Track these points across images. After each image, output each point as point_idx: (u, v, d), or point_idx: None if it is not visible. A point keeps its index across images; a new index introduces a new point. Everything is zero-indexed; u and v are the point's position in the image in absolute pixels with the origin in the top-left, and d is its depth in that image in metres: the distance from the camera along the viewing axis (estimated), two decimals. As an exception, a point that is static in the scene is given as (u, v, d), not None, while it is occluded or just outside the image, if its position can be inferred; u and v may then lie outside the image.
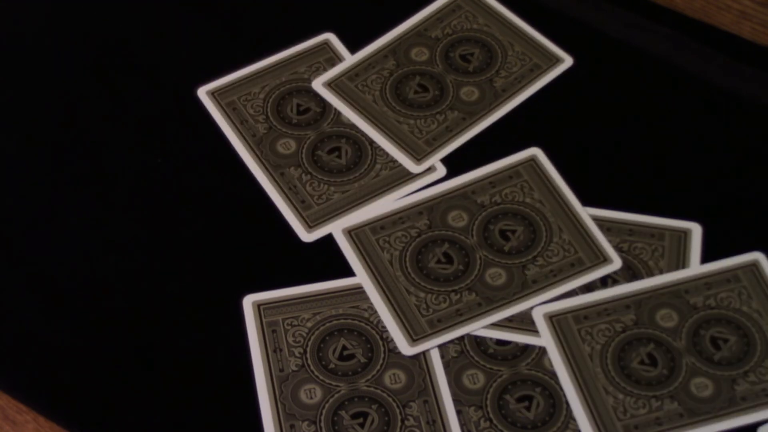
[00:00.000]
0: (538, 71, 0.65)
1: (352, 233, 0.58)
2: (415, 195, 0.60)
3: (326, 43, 0.66)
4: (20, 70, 0.67)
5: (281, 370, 0.55)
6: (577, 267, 0.57)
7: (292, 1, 0.69)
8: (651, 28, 0.67)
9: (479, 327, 0.55)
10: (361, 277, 0.57)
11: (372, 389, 0.55)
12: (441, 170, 0.61)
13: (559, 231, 0.58)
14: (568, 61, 0.66)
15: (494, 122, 0.63)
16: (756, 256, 0.58)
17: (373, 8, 0.68)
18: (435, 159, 0.61)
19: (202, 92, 0.65)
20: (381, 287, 0.56)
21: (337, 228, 0.59)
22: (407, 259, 0.57)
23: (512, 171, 0.60)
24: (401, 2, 0.68)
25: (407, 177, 0.61)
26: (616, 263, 0.57)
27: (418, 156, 0.61)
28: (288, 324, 0.57)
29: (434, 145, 0.62)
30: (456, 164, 0.62)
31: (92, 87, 0.66)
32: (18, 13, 0.70)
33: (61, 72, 0.67)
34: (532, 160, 0.60)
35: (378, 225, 0.58)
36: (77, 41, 0.68)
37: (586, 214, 0.59)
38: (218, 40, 0.68)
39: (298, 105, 0.64)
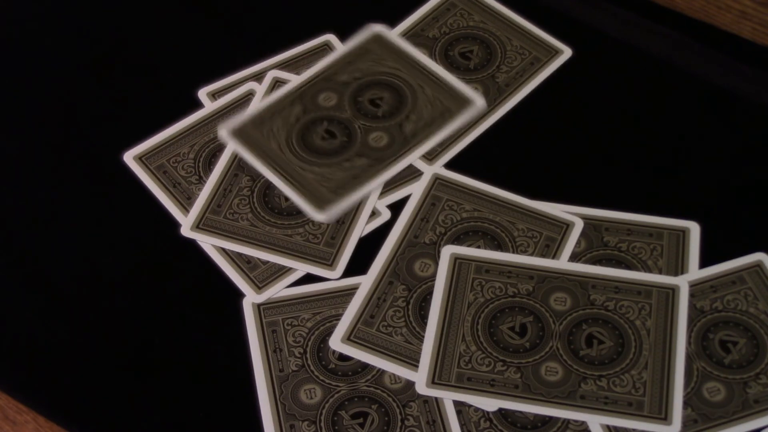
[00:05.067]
0: (538, 64, 0.65)
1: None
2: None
3: (327, 44, 0.66)
4: (20, 70, 0.67)
5: (281, 370, 0.55)
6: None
7: (292, 1, 0.69)
8: (651, 28, 0.67)
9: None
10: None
11: (372, 389, 0.55)
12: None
13: None
14: (567, 52, 0.66)
15: (493, 122, 0.63)
16: (759, 256, 0.58)
17: (373, 8, 0.68)
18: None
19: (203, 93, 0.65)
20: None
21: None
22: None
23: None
24: (401, 2, 0.68)
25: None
26: None
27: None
28: (288, 324, 0.57)
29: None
30: (461, 164, 0.62)
31: (92, 87, 0.66)
32: (18, 13, 0.70)
33: (61, 72, 0.67)
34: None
35: None
36: (77, 41, 0.68)
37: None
38: (218, 40, 0.68)
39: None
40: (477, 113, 0.61)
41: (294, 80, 0.62)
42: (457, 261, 0.57)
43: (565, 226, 0.58)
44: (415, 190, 0.60)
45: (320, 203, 0.58)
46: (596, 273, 0.57)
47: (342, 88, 0.63)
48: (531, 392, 0.53)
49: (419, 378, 0.54)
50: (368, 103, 0.63)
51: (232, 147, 0.57)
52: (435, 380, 0.54)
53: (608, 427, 0.53)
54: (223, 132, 0.59)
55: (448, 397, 0.54)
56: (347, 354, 0.55)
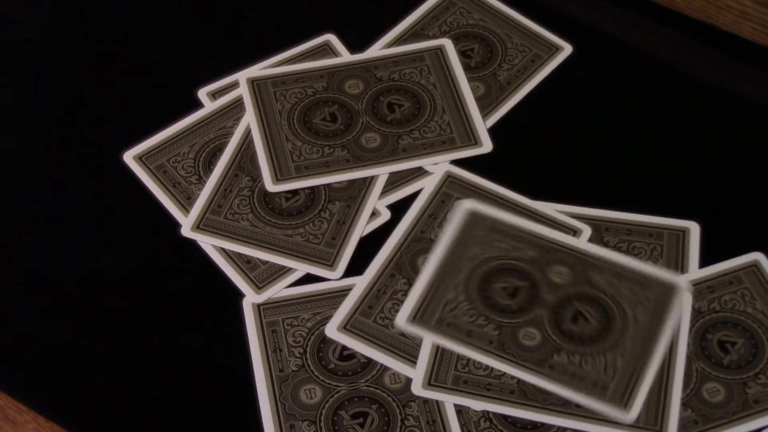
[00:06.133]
0: (539, 61, 0.65)
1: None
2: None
3: (327, 44, 0.66)
4: (20, 70, 0.67)
5: (281, 370, 0.55)
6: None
7: (292, 1, 0.69)
8: (651, 28, 0.67)
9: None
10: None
11: (372, 389, 0.55)
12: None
13: None
14: (567, 49, 0.66)
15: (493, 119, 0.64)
16: (756, 256, 0.58)
17: (373, 8, 0.68)
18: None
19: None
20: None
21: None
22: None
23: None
24: (401, 2, 0.68)
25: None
26: None
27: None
28: (288, 324, 0.57)
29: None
30: (462, 162, 0.62)
31: (92, 87, 0.66)
32: (18, 12, 0.69)
33: (61, 72, 0.67)
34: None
35: None
36: (77, 41, 0.68)
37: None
38: (218, 40, 0.68)
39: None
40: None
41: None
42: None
43: (572, 233, 0.58)
44: (426, 186, 0.60)
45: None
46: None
47: (372, 81, 0.64)
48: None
49: (416, 378, 0.54)
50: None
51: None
52: (431, 382, 0.54)
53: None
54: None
55: (443, 399, 0.54)
56: (341, 343, 0.56)
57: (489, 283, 0.56)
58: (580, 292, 0.56)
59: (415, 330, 0.54)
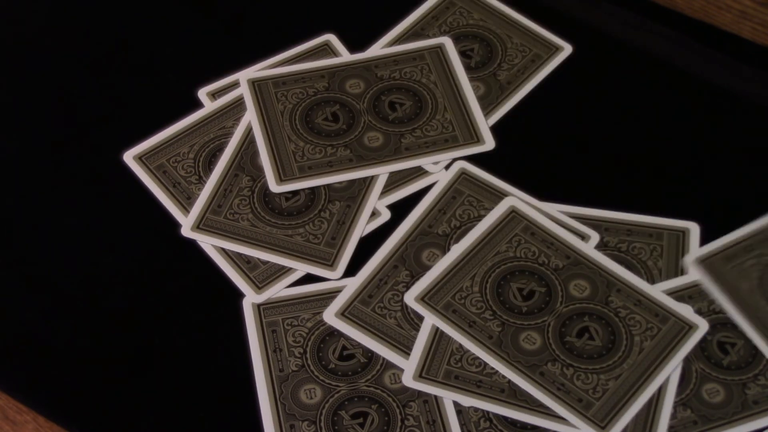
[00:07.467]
0: (539, 61, 0.65)
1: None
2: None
3: (327, 44, 0.66)
4: (20, 70, 0.67)
5: (281, 370, 0.55)
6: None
7: (292, 1, 0.69)
8: (651, 28, 0.67)
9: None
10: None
11: (372, 389, 0.55)
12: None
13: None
14: (567, 49, 0.66)
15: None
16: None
17: (373, 8, 0.68)
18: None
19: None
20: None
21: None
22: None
23: None
24: (401, 2, 0.68)
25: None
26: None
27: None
28: (288, 324, 0.57)
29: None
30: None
31: (92, 87, 0.66)
32: (18, 12, 0.70)
33: (61, 72, 0.67)
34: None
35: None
36: (77, 41, 0.68)
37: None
38: (218, 40, 0.68)
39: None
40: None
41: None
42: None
43: (581, 238, 0.58)
44: (440, 181, 0.61)
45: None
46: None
47: (373, 81, 0.63)
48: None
49: (407, 370, 0.54)
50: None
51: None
52: (423, 374, 0.54)
53: None
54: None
55: (433, 393, 0.54)
56: (337, 328, 0.56)
57: (507, 281, 0.56)
58: (594, 310, 0.56)
59: (420, 309, 0.55)
